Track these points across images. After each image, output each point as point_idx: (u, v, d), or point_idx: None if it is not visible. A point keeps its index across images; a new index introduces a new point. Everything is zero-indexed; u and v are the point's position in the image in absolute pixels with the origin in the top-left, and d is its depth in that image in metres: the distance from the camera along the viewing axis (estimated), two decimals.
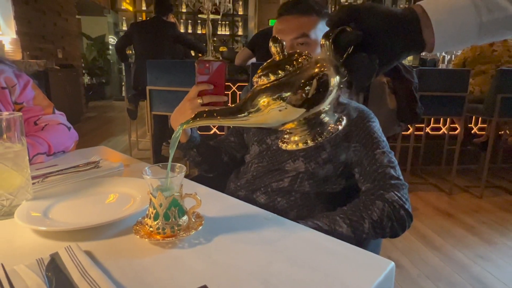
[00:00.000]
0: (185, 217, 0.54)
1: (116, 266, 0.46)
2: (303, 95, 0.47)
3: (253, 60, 2.83)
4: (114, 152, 1.02)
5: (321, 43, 0.48)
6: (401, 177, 0.81)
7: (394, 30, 0.45)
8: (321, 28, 0.89)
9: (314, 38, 0.87)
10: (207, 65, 0.78)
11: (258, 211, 0.63)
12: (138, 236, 0.52)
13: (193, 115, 0.79)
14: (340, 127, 0.52)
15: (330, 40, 0.47)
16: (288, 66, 0.49)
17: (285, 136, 0.55)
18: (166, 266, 0.46)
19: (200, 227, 0.54)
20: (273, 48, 0.52)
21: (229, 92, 2.79)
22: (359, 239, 0.72)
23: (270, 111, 0.48)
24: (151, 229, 0.53)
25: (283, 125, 0.52)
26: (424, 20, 0.45)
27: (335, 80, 0.48)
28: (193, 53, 3.80)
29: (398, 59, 0.48)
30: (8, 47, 3.92)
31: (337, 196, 0.88)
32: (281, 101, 0.47)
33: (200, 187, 0.75)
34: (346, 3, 3.74)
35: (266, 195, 0.89)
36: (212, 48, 3.34)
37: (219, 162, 1.05)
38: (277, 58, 0.52)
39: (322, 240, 0.53)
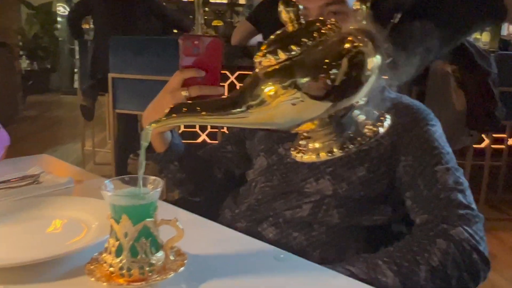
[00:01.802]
0: (160, 254, 0.54)
1: None
2: (328, 81, 0.47)
3: (259, 38, 2.86)
4: (61, 162, 1.04)
5: (354, 7, 0.49)
6: (474, 206, 0.80)
7: None
8: None
9: (351, 6, 0.86)
10: (196, 42, 0.78)
11: (265, 248, 0.64)
12: (92, 279, 0.52)
13: (169, 108, 0.78)
14: (381, 130, 0.52)
15: (369, 4, 0.48)
16: (305, 39, 0.49)
17: (300, 142, 0.55)
18: None
19: (181, 268, 0.54)
20: (284, 14, 0.52)
21: (226, 84, 2.81)
22: None
23: (279, 104, 0.48)
24: (111, 269, 0.52)
25: (298, 126, 0.53)
26: None
27: (374, 60, 0.48)
28: (175, 31, 3.84)
29: (468, 32, 0.48)
30: None
31: (379, 231, 0.88)
32: (295, 90, 0.47)
33: (182, 212, 0.76)
34: None
35: (277, 228, 0.89)
36: (203, 22, 3.39)
37: (210, 181, 1.05)
38: (290, 28, 0.52)
39: None
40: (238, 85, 2.80)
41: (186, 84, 0.79)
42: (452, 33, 0.48)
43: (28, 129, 5.04)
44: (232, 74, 2.81)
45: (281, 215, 0.90)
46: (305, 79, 0.47)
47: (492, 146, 2.77)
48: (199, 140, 3.01)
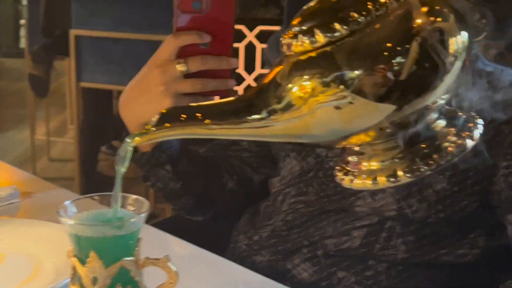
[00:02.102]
0: None
1: None
2: (390, 74, 0.46)
3: None
4: (1, 164, 1.03)
5: None
6: None
7: None
8: None
9: None
10: None
11: None
12: None
13: (167, 99, 0.81)
14: (470, 143, 0.51)
15: None
16: (356, 14, 0.48)
17: (349, 158, 0.56)
18: None
19: None
20: None
21: (240, 45, 2.72)
22: None
23: (316, 108, 0.48)
24: None
25: (345, 139, 0.52)
26: None
27: (458, 40, 0.47)
28: None
29: None
30: None
31: (466, 272, 0.88)
32: (342, 87, 0.46)
33: (177, 242, 0.76)
34: None
35: (315, 264, 0.89)
36: None
37: (216, 192, 1.06)
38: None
39: None
40: (257, 49, 2.72)
41: (183, 53, 0.80)
42: None
43: None
44: (250, 30, 2.71)
45: (321, 245, 0.90)
46: (356, 72, 0.46)
47: None
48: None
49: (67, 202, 0.54)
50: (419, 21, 0.46)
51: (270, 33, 2.59)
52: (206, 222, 1.06)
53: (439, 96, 0.49)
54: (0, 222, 0.76)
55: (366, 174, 0.53)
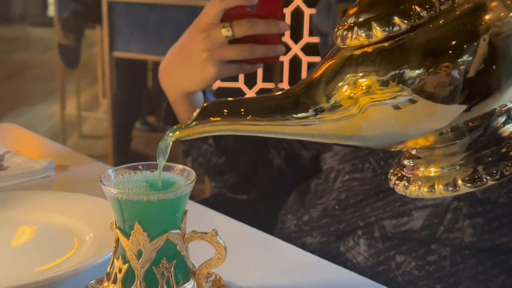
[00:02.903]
0: (190, 284, 0.54)
1: None
2: (455, 73, 0.44)
3: None
4: (34, 137, 1.05)
5: None
6: None
7: None
8: None
9: None
10: None
11: (353, 279, 0.65)
12: None
13: (211, 67, 0.85)
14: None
15: None
16: (418, 8, 0.46)
17: (405, 162, 0.55)
18: None
19: None
20: None
21: (288, 11, 2.64)
22: None
23: (368, 107, 0.47)
24: None
25: (401, 143, 0.52)
26: None
27: None
28: None
29: None
30: None
31: None
32: (402, 85, 0.45)
33: (223, 219, 0.78)
34: None
35: (371, 246, 0.88)
36: None
37: (262, 169, 1.07)
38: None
39: None
40: (307, 12, 2.65)
41: (228, 17, 0.80)
42: None
43: None
44: None
45: (378, 226, 0.89)
46: (417, 71, 0.45)
47: None
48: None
49: (110, 171, 0.54)
50: (489, 16, 0.45)
51: None
52: (251, 201, 1.06)
53: (509, 99, 0.48)
54: (36, 195, 0.76)
55: (423, 181, 0.52)
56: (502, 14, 0.45)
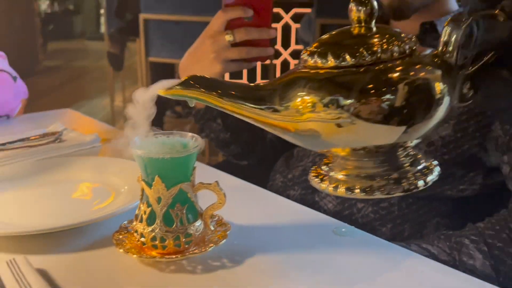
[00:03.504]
0: (198, 223, 0.55)
1: None
2: (384, 105, 0.45)
3: None
4: (86, 118, 1.07)
5: (444, 30, 0.47)
6: None
7: None
8: None
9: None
10: None
11: (323, 221, 0.64)
12: (121, 251, 0.53)
13: (218, 65, 0.84)
14: (420, 183, 0.50)
15: (463, 27, 0.45)
16: (364, 52, 0.46)
17: (323, 167, 0.55)
18: None
19: (223, 241, 0.55)
20: (354, 13, 0.49)
21: (279, 25, 2.63)
22: (505, 281, 0.69)
23: (310, 119, 0.47)
24: (142, 239, 0.53)
25: (325, 149, 0.52)
26: None
27: (444, 102, 0.46)
28: None
29: None
30: None
31: (465, 204, 0.86)
32: (341, 110, 0.45)
33: (226, 176, 0.77)
34: None
35: (338, 197, 0.86)
36: None
37: (258, 141, 1.05)
38: (355, 31, 0.50)
39: (441, 275, 0.52)
40: (293, 28, 2.65)
41: (230, 26, 0.79)
42: None
43: (49, 81, 5.06)
44: (286, 13, 2.62)
45: None
46: (349, 101, 0.45)
47: None
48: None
49: (136, 138, 0.55)
50: (412, 74, 0.47)
51: (302, 15, 2.56)
52: (250, 165, 1.07)
53: (412, 140, 0.49)
54: (86, 160, 0.79)
55: (330, 181, 0.52)
56: (412, 73, 0.46)
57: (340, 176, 0.52)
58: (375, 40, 0.48)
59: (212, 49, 0.83)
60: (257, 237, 0.59)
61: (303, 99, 0.47)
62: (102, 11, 7.01)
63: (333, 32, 0.51)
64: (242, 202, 0.67)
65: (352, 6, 0.50)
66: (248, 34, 0.80)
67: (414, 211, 0.85)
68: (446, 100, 0.47)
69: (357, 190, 0.49)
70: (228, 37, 0.80)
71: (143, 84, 2.94)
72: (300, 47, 2.58)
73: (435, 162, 0.53)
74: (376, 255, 0.55)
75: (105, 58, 3.55)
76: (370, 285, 0.50)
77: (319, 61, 0.47)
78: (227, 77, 2.37)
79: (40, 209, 0.63)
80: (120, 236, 0.55)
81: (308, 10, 2.52)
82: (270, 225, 0.63)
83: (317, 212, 0.66)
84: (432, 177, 0.51)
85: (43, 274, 0.49)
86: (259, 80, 2.73)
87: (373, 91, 0.45)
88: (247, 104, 0.49)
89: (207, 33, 0.84)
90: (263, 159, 1.07)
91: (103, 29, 5.77)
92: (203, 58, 0.86)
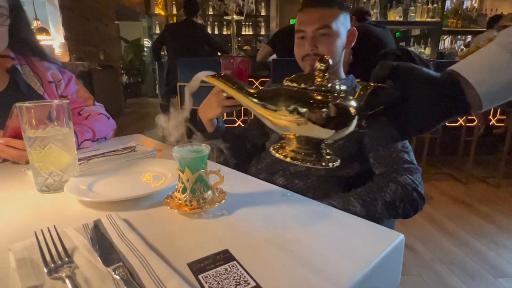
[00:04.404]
0: (209, 192, 0.54)
1: (149, 231, 0.47)
2: (321, 114, 0.42)
3: (274, 56, 2.79)
4: (148, 139, 1.03)
5: (359, 89, 0.45)
6: (415, 162, 0.77)
7: (436, 95, 0.40)
8: (342, 20, 0.86)
9: (335, 29, 0.85)
10: (231, 60, 0.79)
11: (277, 189, 0.62)
12: (168, 208, 0.53)
13: (219, 108, 0.78)
14: (324, 165, 0.47)
15: (369, 91, 0.43)
16: (315, 83, 0.45)
17: (282, 142, 0.51)
18: (193, 233, 0.47)
19: (223, 201, 0.54)
20: (318, 66, 0.47)
21: (253, 87, 2.77)
22: (372, 219, 0.69)
23: (282, 119, 0.44)
24: (179, 201, 0.53)
25: (286, 132, 0.48)
26: (464, 82, 0.40)
27: (353, 122, 0.44)
28: (219, 54, 3.83)
29: (439, 123, 0.42)
30: (57, 50, 4.11)
31: (351, 179, 0.86)
32: (300, 115, 0.43)
33: (224, 168, 0.75)
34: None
35: (285, 177, 0.88)
36: (237, 47, 3.35)
37: (242, 149, 1.04)
38: (317, 75, 0.47)
39: (335, 214, 0.52)
40: (260, 88, 2.71)
41: None
42: (426, 125, 0.42)
43: (127, 119, 5.09)
44: (256, 81, 2.71)
45: (288, 169, 0.88)
46: (304, 109, 0.43)
47: None
48: (236, 124, 3.01)
49: (176, 147, 0.54)
50: (339, 101, 0.44)
51: (265, 81, 2.57)
52: (236, 164, 1.02)
53: (331, 138, 0.46)
54: (148, 160, 0.76)
55: (283, 152, 0.49)
56: (338, 101, 0.43)
57: (288, 150, 0.49)
58: (323, 82, 0.45)
59: (216, 100, 0.81)
60: (241, 200, 0.58)
61: (281, 107, 0.44)
62: (156, 81, 7.09)
63: (301, 74, 0.48)
64: (233, 181, 0.66)
65: (317, 64, 0.47)
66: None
67: (325, 183, 0.86)
68: (355, 121, 0.45)
69: (298, 160, 0.47)
70: (224, 94, 0.78)
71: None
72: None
73: (335, 158, 0.50)
74: (305, 208, 0.55)
75: (158, 107, 3.48)
76: (302, 221, 0.49)
77: (293, 84, 0.46)
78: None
79: (124, 187, 0.62)
80: (168, 200, 0.55)
81: (268, 79, 2.53)
82: (248, 192, 0.61)
83: (274, 185, 0.65)
84: (336, 163, 0.49)
85: (126, 221, 0.49)
86: (241, 115, 2.69)
87: (319, 104, 0.43)
88: (249, 98, 0.48)
89: (213, 92, 0.83)
90: (244, 159, 1.04)
91: (157, 91, 5.77)
92: (211, 105, 0.84)
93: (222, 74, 0.51)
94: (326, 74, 0.47)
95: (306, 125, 0.43)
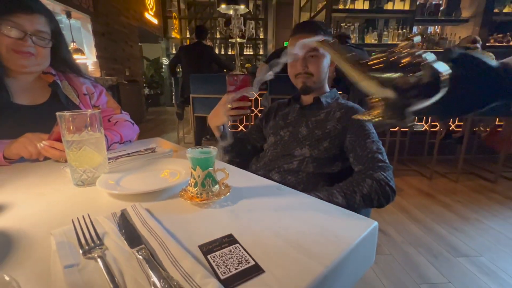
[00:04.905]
0: (217, 186, 0.54)
1: (167, 219, 0.47)
2: (410, 80, 0.36)
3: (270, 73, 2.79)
4: (166, 142, 1.03)
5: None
6: (387, 161, 0.77)
7: (493, 78, 0.36)
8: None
9: (322, 52, 0.86)
10: (235, 77, 0.77)
11: (273, 184, 0.62)
12: (182, 199, 0.53)
13: (225, 117, 0.76)
14: (414, 128, 0.42)
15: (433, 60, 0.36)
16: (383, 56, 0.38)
17: (370, 110, 0.43)
18: (203, 219, 0.47)
19: (228, 194, 0.54)
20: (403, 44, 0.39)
21: (253, 99, 2.73)
22: (352, 209, 0.68)
23: (364, 81, 0.38)
24: (192, 194, 0.53)
25: (364, 90, 0.40)
26: None
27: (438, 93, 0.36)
28: (225, 71, 3.83)
29: (484, 106, 0.38)
30: (90, 67, 4.12)
31: (335, 175, 0.85)
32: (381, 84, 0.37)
33: (229, 166, 0.75)
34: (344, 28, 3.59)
35: (279, 174, 0.87)
36: (239, 65, 3.35)
37: (244, 150, 1.03)
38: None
39: (321, 205, 0.52)
40: (259, 100, 2.61)
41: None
42: (471, 106, 0.37)
43: (148, 126, 5.05)
44: (255, 92, 2.71)
45: (282, 167, 0.88)
46: (396, 74, 0.36)
47: (401, 129, 2.69)
48: (239, 129, 3.00)
49: (189, 149, 0.54)
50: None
51: (263, 93, 2.52)
52: (239, 163, 1.02)
53: (416, 106, 0.39)
54: (166, 160, 0.73)
55: (371, 116, 0.41)
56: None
57: (375, 113, 0.40)
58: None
59: (222, 110, 0.79)
60: (243, 192, 0.57)
61: (370, 77, 0.38)
62: (173, 93, 6.98)
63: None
64: (236, 177, 0.65)
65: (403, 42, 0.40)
66: (238, 104, 0.76)
67: (313, 179, 0.84)
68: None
69: (383, 117, 0.39)
70: (229, 105, 0.77)
71: (192, 126, 2.79)
72: (262, 107, 2.54)
73: (417, 123, 0.43)
74: (296, 199, 0.54)
75: (174, 115, 3.44)
76: (293, 211, 0.49)
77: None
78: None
79: (146, 182, 0.61)
80: (182, 193, 0.54)
81: (266, 91, 2.49)
82: (249, 186, 0.60)
83: (271, 180, 0.64)
84: (418, 128, 0.44)
85: (148, 210, 0.49)
86: (243, 121, 2.60)
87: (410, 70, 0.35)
88: (355, 67, 0.40)
89: (220, 103, 0.81)
90: (246, 159, 1.02)
91: (173, 101, 5.80)
92: (218, 114, 0.82)
93: (324, 40, 0.44)
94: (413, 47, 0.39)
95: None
